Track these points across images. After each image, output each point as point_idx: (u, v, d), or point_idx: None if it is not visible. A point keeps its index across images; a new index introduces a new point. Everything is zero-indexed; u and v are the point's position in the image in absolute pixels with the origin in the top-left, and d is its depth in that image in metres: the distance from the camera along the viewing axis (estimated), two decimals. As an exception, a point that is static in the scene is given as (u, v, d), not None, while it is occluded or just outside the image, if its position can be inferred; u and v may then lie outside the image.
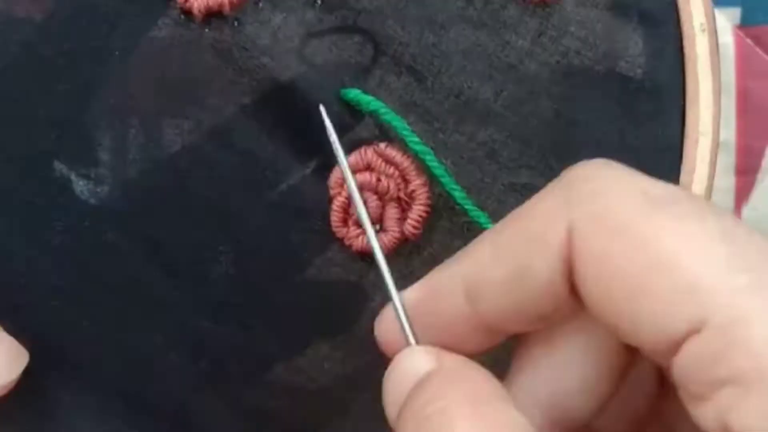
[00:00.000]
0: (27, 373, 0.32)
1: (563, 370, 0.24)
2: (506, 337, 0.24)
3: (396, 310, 0.25)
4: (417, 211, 0.31)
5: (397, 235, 0.31)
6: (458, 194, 0.31)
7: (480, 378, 0.23)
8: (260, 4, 0.32)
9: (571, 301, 0.22)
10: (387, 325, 0.26)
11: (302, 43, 0.32)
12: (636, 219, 0.20)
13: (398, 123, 0.31)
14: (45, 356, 0.32)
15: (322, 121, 0.31)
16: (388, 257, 0.32)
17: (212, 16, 0.32)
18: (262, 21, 0.32)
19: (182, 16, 0.32)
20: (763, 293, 0.19)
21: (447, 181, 0.31)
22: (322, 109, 0.30)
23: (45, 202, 0.32)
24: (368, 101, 0.31)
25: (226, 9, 0.32)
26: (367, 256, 0.32)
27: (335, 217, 0.31)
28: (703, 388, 0.20)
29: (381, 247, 0.28)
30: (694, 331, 0.19)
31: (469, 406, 0.21)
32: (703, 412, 0.20)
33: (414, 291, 0.25)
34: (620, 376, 0.24)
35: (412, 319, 0.25)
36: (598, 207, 0.21)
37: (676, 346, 0.20)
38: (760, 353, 0.19)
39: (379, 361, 0.32)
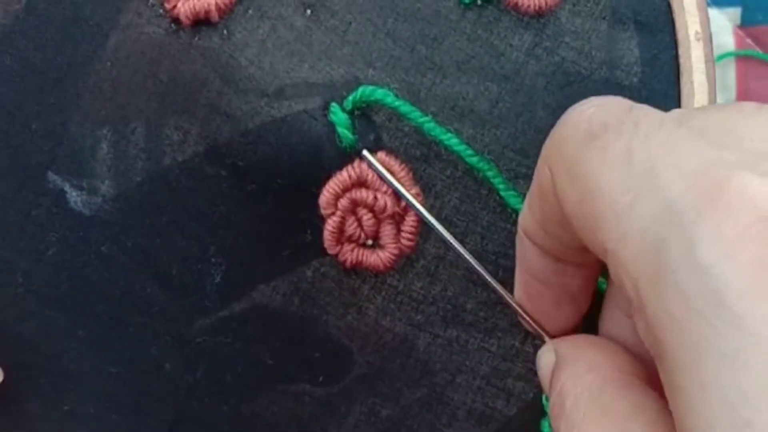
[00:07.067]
0: (22, 382, 0.32)
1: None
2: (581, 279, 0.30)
3: (521, 314, 0.31)
4: (410, 222, 0.31)
5: (395, 251, 0.31)
6: (514, 200, 0.32)
7: (594, 362, 0.27)
8: (249, 12, 0.32)
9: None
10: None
11: (290, 52, 0.32)
12: (576, 154, 0.24)
13: (444, 136, 0.31)
14: (40, 366, 0.33)
15: (315, 135, 0.31)
16: (385, 275, 0.32)
17: (201, 24, 0.32)
18: (251, 29, 0.32)
19: (173, 25, 0.32)
20: (635, 210, 0.22)
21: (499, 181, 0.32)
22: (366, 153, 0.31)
23: (39, 213, 0.32)
24: (407, 109, 0.31)
25: (214, 15, 0.31)
26: (360, 268, 0.32)
27: (329, 236, 0.31)
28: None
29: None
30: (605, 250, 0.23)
31: (592, 402, 0.26)
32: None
33: (516, 284, 0.31)
34: None
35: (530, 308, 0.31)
36: (558, 149, 0.26)
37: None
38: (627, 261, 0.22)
39: (374, 373, 0.33)
